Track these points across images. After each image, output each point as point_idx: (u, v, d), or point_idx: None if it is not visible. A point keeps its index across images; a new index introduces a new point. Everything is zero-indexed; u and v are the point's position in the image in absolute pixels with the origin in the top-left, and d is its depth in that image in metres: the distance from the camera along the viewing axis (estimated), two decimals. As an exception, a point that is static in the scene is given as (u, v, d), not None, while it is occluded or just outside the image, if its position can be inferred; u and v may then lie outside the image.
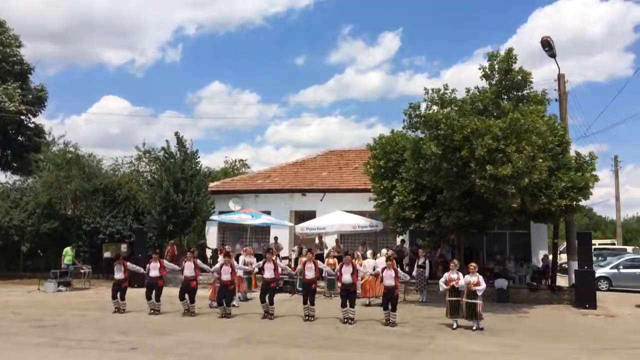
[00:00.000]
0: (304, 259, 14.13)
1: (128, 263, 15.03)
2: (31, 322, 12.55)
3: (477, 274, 12.40)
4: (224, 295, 13.73)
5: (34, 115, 29.60)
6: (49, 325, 12.19)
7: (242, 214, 21.88)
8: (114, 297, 14.38)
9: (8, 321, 12.76)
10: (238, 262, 16.22)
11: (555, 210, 16.54)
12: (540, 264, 20.34)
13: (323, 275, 16.53)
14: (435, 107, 16.22)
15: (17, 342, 10.26)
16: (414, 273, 17.66)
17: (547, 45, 19.18)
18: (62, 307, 15.05)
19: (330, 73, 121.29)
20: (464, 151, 14.89)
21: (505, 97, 16.84)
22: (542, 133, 15.22)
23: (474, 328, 12.02)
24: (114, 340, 10.58)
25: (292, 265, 20.29)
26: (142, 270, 15.09)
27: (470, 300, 12.20)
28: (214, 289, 14.83)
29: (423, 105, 16.42)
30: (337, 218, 20.77)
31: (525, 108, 15.68)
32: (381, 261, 16.03)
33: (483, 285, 12.29)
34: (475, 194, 15.60)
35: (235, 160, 50.69)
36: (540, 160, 15.09)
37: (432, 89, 16.49)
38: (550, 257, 20.27)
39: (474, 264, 12.77)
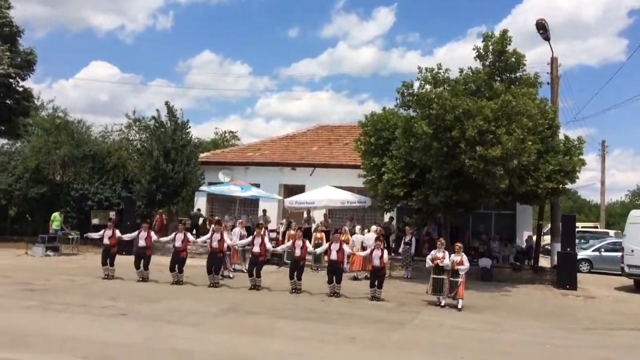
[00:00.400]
0: (292, 232, 14.30)
1: (117, 231, 15.08)
2: (20, 286, 12.62)
3: (462, 253, 12.59)
4: (213, 263, 13.90)
5: (23, 79, 29.15)
6: (38, 289, 12.28)
7: (231, 186, 21.95)
8: (103, 263, 14.49)
9: (-3, 284, 12.82)
10: (232, 234, 16.36)
11: (541, 193, 16.82)
12: (524, 245, 20.72)
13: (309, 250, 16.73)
14: (428, 87, 16.28)
15: (7, 305, 10.34)
16: (400, 250, 17.95)
17: (542, 28, 19.24)
18: (51, 272, 15.12)
19: (322, 47, 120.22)
20: (455, 131, 15.00)
21: (498, 78, 16.92)
22: (532, 116, 15.38)
23: (459, 307, 12.25)
24: (103, 305, 10.70)
25: (280, 239, 20.50)
26: (132, 236, 15.14)
27: (453, 279, 12.41)
28: (234, 252, 14.89)
29: (416, 84, 16.48)
30: (326, 193, 20.92)
31: (518, 90, 15.80)
32: (369, 237, 16.27)
33: (466, 265, 12.47)
34: (463, 174, 15.79)
35: (225, 132, 50.60)
36: (530, 143, 15.27)
37: (426, 68, 16.57)
38: (534, 238, 20.65)
39: (459, 244, 12.93)
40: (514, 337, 9.81)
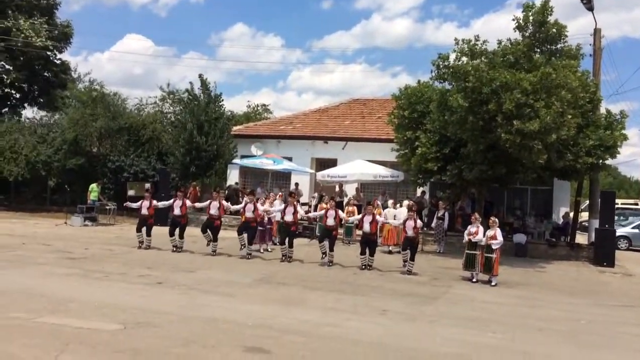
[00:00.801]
0: (324, 205, 14.29)
1: (154, 201, 15.35)
2: (61, 254, 13.05)
3: (496, 228, 12.37)
4: (245, 230, 14.01)
5: (60, 52, 29.76)
6: (77, 258, 12.66)
7: (263, 159, 22.03)
8: (138, 230, 14.81)
9: (39, 252, 13.28)
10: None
11: (580, 168, 16.38)
12: (561, 221, 20.31)
13: (342, 223, 16.74)
14: (464, 59, 15.89)
15: (49, 272, 10.71)
16: (433, 224, 17.82)
17: (586, -2, 18.48)
18: (89, 241, 15.57)
19: (356, 18, 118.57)
20: (492, 105, 14.66)
21: (538, 50, 16.38)
22: (573, 89, 14.87)
23: (493, 283, 12.12)
24: (140, 274, 10.99)
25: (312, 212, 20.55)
26: (168, 203, 15.31)
27: (487, 254, 12.26)
28: (257, 234, 15.06)
29: (452, 56, 16.08)
30: (358, 167, 20.82)
31: (558, 62, 15.29)
32: (402, 211, 16.18)
33: (499, 239, 12.22)
34: (499, 149, 15.48)
35: (258, 105, 50.67)
36: (569, 117, 14.81)
37: (463, 40, 16.14)
38: (572, 214, 20.22)
39: (494, 218, 12.76)
40: (548, 313, 9.67)
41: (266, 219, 15.29)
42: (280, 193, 18.52)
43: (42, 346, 6.12)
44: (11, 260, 11.85)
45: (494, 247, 12.14)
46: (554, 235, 19.34)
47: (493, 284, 12.11)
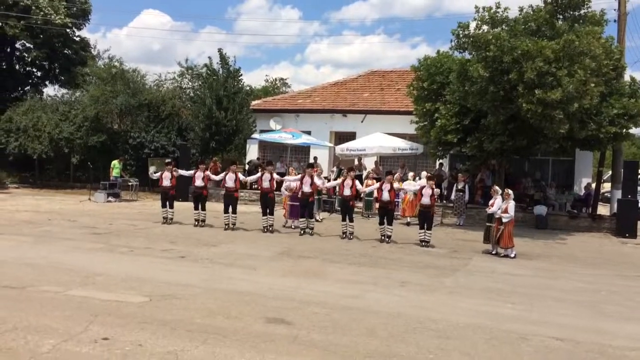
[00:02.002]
0: (343, 178, 14.23)
1: (175, 170, 15.54)
2: (86, 230, 13.36)
3: (511, 201, 12.12)
4: (267, 203, 14.15)
5: (79, 29, 29.94)
6: (102, 233, 12.96)
7: (282, 133, 22.08)
8: (163, 205, 15.08)
9: (65, 227, 13.61)
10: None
11: (603, 138, 16.09)
12: (582, 192, 20.07)
13: (361, 196, 16.76)
14: (485, 27, 15.61)
15: (77, 247, 11.01)
16: (452, 197, 17.78)
17: (611, -39, 17.91)
18: (113, 217, 15.88)
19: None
20: (513, 74, 14.43)
21: (561, 16, 16.05)
22: (596, 56, 14.53)
23: (506, 255, 11.99)
24: (163, 248, 11.22)
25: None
26: (190, 173, 15.56)
27: (500, 227, 12.13)
28: (287, 209, 15.19)
29: (472, 25, 15.80)
30: (377, 140, 20.76)
31: (581, 29, 14.94)
32: (421, 183, 16.15)
33: (510, 213, 11.96)
34: (520, 119, 15.30)
35: (276, 79, 50.53)
36: (593, 85, 14.50)
37: (483, 8, 15.85)
38: (594, 185, 19.97)
39: (509, 191, 12.49)
40: (568, 284, 9.68)
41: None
42: (316, 168, 18.39)
43: (73, 318, 6.34)
44: (39, 235, 12.18)
45: (504, 220, 11.97)
46: (575, 206, 19.14)
47: (507, 255, 11.98)
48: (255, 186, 18.44)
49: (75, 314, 6.47)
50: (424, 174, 17.44)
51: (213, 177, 15.75)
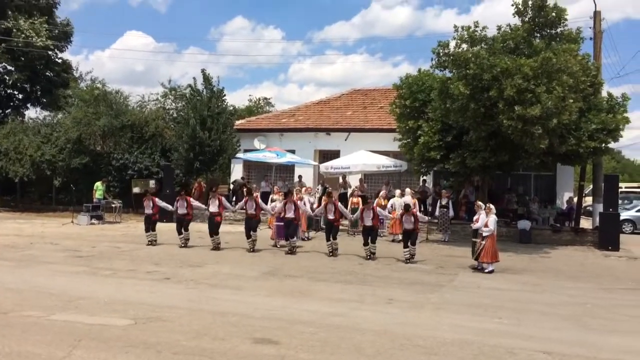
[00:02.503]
0: (325, 202, 14.46)
1: (157, 199, 15.51)
2: (69, 252, 13.18)
3: (492, 215, 12.21)
4: (250, 225, 14.25)
5: (61, 51, 29.74)
6: (86, 256, 12.80)
7: (267, 153, 22.10)
8: (147, 230, 14.98)
9: (48, 251, 13.42)
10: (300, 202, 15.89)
11: (583, 152, 16.39)
12: (565, 206, 20.33)
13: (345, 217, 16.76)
14: (464, 46, 15.89)
15: (59, 270, 10.85)
16: (437, 213, 17.87)
17: (585, -20, 18.39)
18: (96, 239, 15.70)
19: (355, 8, 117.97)
20: (493, 91, 14.67)
21: (538, 35, 16.40)
22: (574, 73, 14.86)
23: (486, 270, 12.01)
24: (148, 270, 11.11)
25: (316, 204, 20.60)
26: (170, 207, 15.63)
27: (482, 242, 12.21)
28: (274, 229, 15.33)
29: (452, 44, 16.07)
30: (361, 158, 20.87)
31: (558, 47, 15.29)
32: (407, 200, 16.28)
33: (490, 227, 12.07)
34: (501, 135, 15.50)
35: (259, 99, 50.71)
36: (571, 101, 14.81)
37: (462, 27, 16.13)
38: (576, 199, 20.23)
39: (490, 205, 12.64)
40: (553, 298, 9.76)
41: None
42: (307, 187, 18.63)
43: (56, 343, 6.23)
44: (21, 259, 12.00)
45: (484, 234, 12.06)
46: (558, 220, 19.38)
47: (486, 270, 12.01)
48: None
49: (58, 339, 6.37)
50: (407, 190, 17.59)
51: (196, 203, 15.68)
